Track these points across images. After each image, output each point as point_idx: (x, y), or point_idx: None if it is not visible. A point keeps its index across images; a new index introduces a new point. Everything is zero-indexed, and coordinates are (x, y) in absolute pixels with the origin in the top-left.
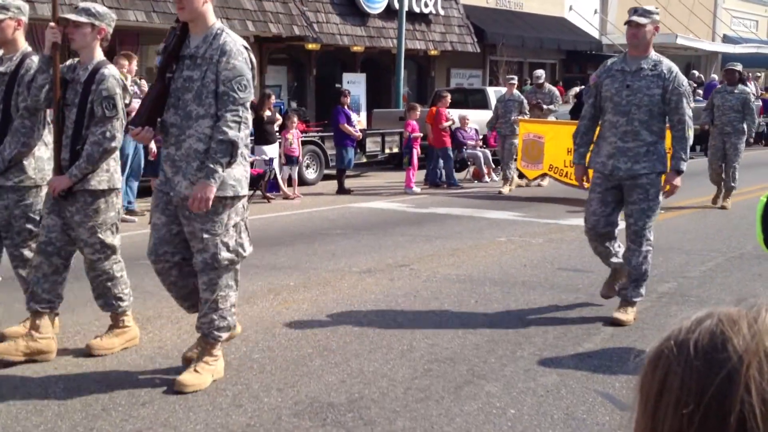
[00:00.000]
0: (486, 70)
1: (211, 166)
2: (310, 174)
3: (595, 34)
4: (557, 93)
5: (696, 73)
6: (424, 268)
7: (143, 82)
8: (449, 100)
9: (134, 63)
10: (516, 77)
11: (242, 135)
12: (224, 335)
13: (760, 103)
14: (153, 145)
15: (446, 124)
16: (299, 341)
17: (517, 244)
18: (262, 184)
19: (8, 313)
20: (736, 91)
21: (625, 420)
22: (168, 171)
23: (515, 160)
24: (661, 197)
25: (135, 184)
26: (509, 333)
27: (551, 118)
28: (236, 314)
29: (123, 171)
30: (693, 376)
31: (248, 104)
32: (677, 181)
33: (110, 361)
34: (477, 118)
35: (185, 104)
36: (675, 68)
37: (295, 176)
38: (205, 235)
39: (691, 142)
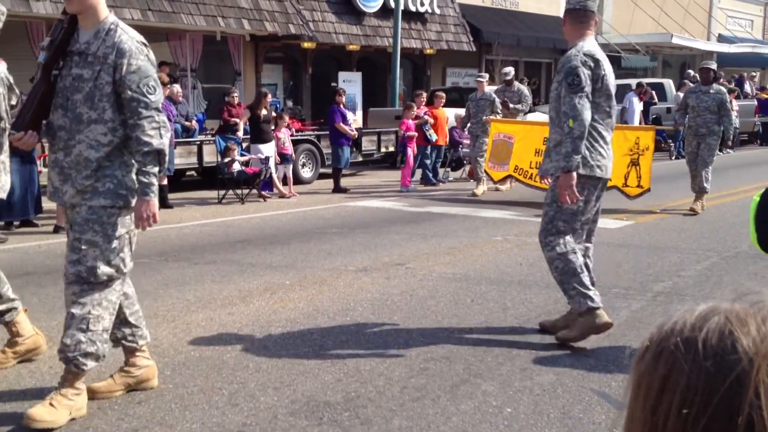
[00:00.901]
0: (482, 68)
1: (145, 180)
2: (306, 173)
3: None
4: (527, 92)
5: (691, 72)
6: (420, 266)
7: None
8: (423, 99)
9: None
10: (486, 75)
11: (165, 141)
12: (90, 364)
13: (756, 102)
14: None
15: (415, 122)
16: (295, 340)
17: (513, 243)
18: (258, 182)
19: None
20: (711, 91)
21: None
22: (55, 179)
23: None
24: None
25: None
26: (505, 332)
27: (520, 118)
28: (232, 313)
29: None
30: (701, 376)
31: (161, 106)
32: (563, 180)
33: (106, 360)
34: None
35: (74, 105)
36: (569, 54)
37: (290, 174)
38: (84, 246)
39: (576, 133)
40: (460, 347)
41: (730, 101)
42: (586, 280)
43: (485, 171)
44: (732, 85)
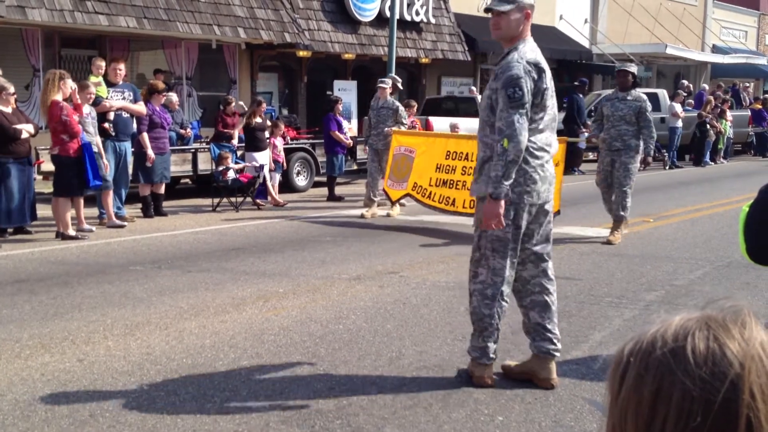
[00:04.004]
0: (477, 78)
1: None
2: (301, 181)
3: (585, 43)
4: (402, 108)
5: (685, 82)
6: (413, 275)
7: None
8: (414, 110)
9: (119, 65)
10: (389, 80)
11: None
12: None
13: (749, 113)
14: (150, 151)
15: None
16: (288, 348)
17: None
18: (252, 190)
19: None
20: (629, 98)
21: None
22: None
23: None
24: (496, 230)
25: (123, 191)
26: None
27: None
28: (225, 321)
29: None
30: (697, 384)
31: None
32: (487, 207)
33: (98, 367)
34: (467, 126)
35: None
36: (510, 60)
37: (276, 182)
38: None
39: (510, 156)
40: (452, 355)
41: (729, 112)
42: (494, 333)
43: (384, 190)
44: (728, 96)
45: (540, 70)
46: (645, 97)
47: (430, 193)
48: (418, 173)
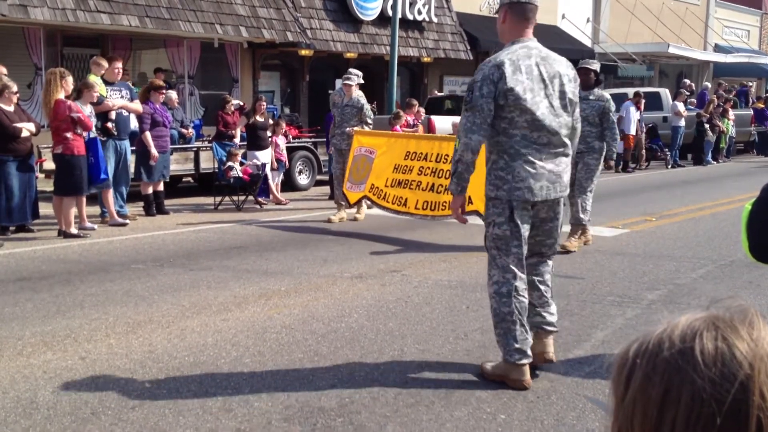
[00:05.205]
0: None
1: None
2: (303, 180)
3: (588, 42)
4: (367, 106)
5: (687, 81)
6: (415, 273)
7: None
8: (416, 108)
9: (118, 64)
10: (355, 76)
11: None
12: None
13: (752, 112)
14: (154, 150)
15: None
16: (290, 346)
17: None
18: (254, 189)
19: None
20: (591, 97)
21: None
22: None
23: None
24: (490, 228)
25: (124, 189)
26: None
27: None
28: (227, 319)
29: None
30: (706, 386)
31: None
32: (452, 202)
33: (100, 365)
34: None
35: None
36: (482, 63)
37: (279, 181)
38: None
39: (457, 156)
40: (454, 354)
41: (732, 111)
42: (517, 330)
43: (343, 193)
44: (731, 95)
45: (502, 73)
46: (608, 96)
47: (385, 194)
48: (377, 174)
